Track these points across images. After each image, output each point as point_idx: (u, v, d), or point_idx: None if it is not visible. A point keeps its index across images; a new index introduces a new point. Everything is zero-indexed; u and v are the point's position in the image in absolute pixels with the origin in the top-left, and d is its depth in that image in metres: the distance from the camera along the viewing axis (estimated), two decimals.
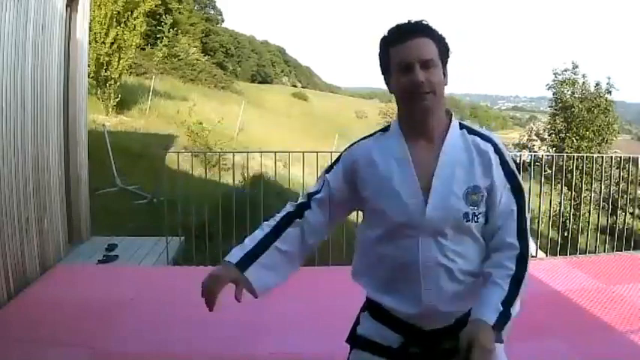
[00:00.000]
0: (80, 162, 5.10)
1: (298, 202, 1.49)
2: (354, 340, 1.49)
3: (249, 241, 1.42)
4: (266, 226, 1.45)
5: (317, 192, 1.46)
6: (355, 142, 1.49)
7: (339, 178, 1.45)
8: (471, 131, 1.43)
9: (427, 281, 1.33)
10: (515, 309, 1.31)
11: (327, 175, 1.47)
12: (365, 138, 1.48)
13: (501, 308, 1.27)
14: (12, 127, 3.61)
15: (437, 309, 1.34)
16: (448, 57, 1.38)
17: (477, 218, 1.36)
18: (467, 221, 1.34)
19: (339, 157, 1.49)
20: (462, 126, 1.42)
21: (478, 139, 1.40)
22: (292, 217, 1.45)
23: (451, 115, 1.42)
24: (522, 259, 1.35)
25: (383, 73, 1.42)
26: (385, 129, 1.47)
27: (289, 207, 1.48)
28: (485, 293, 1.31)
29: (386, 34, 1.38)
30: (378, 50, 1.41)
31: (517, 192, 1.41)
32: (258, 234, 1.44)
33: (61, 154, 4.53)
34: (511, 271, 1.33)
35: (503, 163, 1.40)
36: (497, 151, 1.41)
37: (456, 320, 1.36)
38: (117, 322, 3.32)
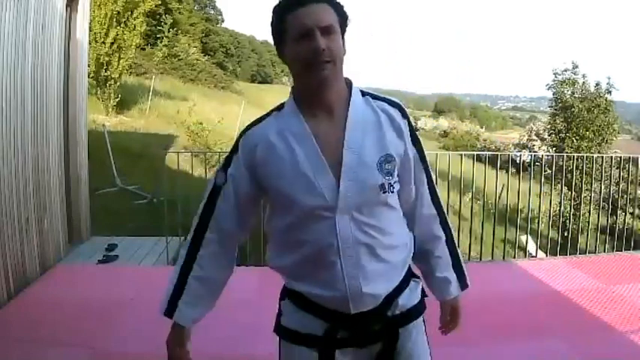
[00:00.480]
0: (80, 162, 5.10)
1: (199, 211, 1.38)
2: (280, 332, 1.45)
3: (169, 282, 1.40)
4: (180, 258, 1.40)
5: (217, 192, 1.35)
6: (249, 126, 1.34)
7: (240, 169, 1.31)
8: (375, 97, 1.33)
9: (347, 262, 1.24)
10: (460, 256, 1.50)
11: (228, 168, 1.33)
12: (260, 120, 1.34)
13: (456, 275, 1.48)
14: (12, 127, 3.61)
15: (360, 291, 1.25)
16: (347, 26, 1.29)
17: (393, 188, 1.28)
18: (384, 193, 1.26)
19: (236, 145, 1.34)
20: (363, 93, 1.32)
21: (385, 105, 1.32)
22: (199, 235, 1.37)
23: (351, 83, 1.32)
24: (445, 222, 1.46)
25: (276, 44, 1.32)
26: (280, 107, 1.35)
27: (195, 221, 1.39)
28: (438, 270, 1.46)
29: (281, 0, 1.27)
30: (271, 19, 1.30)
31: (424, 159, 1.39)
32: (175, 270, 1.40)
33: (61, 154, 4.53)
34: (444, 238, 1.45)
35: (411, 128, 1.34)
36: (405, 115, 1.34)
37: (384, 300, 1.30)
38: (117, 322, 3.32)
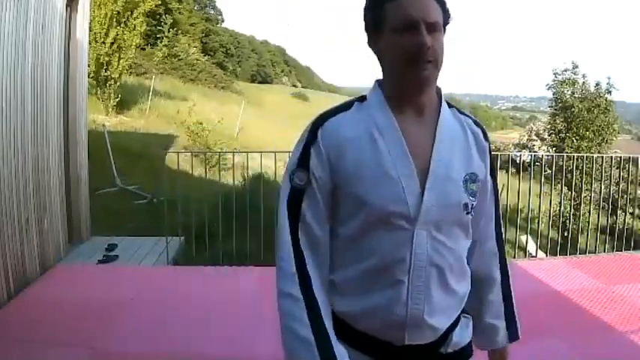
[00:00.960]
0: (80, 162, 5.10)
1: (283, 236, 1.15)
2: None
3: (305, 331, 1.10)
4: (296, 303, 1.13)
5: (299, 197, 1.13)
6: (326, 115, 1.16)
7: (323, 162, 1.12)
8: (461, 112, 1.23)
9: (415, 284, 1.09)
10: (515, 303, 1.35)
11: (310, 164, 1.12)
12: (339, 109, 1.17)
13: (506, 323, 1.33)
14: (12, 127, 3.61)
15: (421, 319, 1.11)
16: (447, 25, 1.16)
17: (473, 212, 1.15)
18: (466, 213, 1.13)
19: (312, 135, 1.13)
20: (449, 105, 1.22)
21: (470, 122, 1.22)
22: (300, 265, 1.13)
23: (441, 92, 1.20)
24: (504, 263, 1.32)
25: (369, 31, 1.16)
26: (361, 98, 1.19)
27: (282, 247, 1.16)
28: (487, 315, 1.31)
29: None
30: (366, 3, 1.16)
31: (496, 190, 1.29)
32: (300, 317, 1.11)
33: (61, 154, 4.53)
34: (499, 279, 1.31)
35: (490, 153, 1.24)
36: (487, 138, 1.24)
37: (440, 336, 1.16)
38: (117, 322, 3.32)
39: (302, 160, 1.13)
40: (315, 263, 1.13)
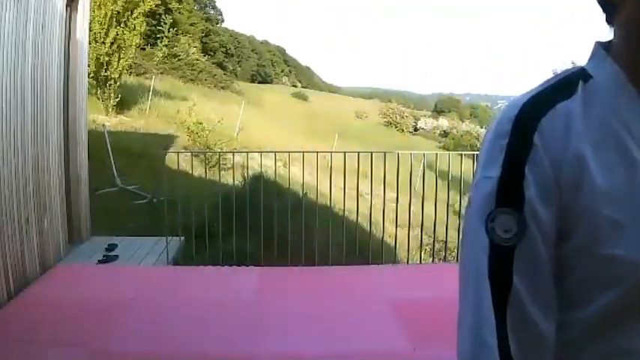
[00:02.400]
0: (80, 162, 5.10)
1: (470, 319, 0.64)
2: None
3: None
4: None
5: (508, 265, 0.62)
6: (536, 105, 0.65)
7: (550, 199, 0.62)
8: None
9: None
10: None
11: (524, 197, 0.62)
12: (553, 96, 0.66)
13: None
14: (12, 127, 3.61)
15: None
16: None
17: None
18: None
19: (520, 145, 0.63)
20: None
21: None
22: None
23: None
24: None
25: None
26: (581, 74, 0.69)
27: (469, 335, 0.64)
28: None
29: None
30: None
31: None
32: None
33: (61, 154, 4.53)
34: None
35: None
36: None
37: None
38: (117, 322, 3.33)
39: (506, 192, 0.62)
40: None
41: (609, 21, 0.71)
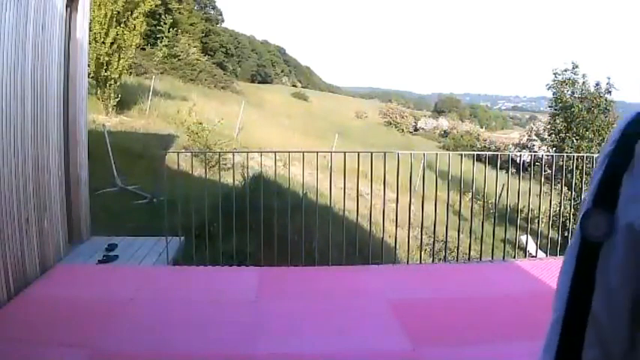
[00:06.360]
0: (80, 162, 5.10)
1: (561, 312, 0.65)
2: None
3: None
4: None
5: (592, 258, 0.63)
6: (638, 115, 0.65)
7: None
8: None
9: None
10: None
11: (618, 201, 0.63)
12: None
13: None
14: (12, 127, 3.61)
15: None
16: None
17: None
18: None
19: (621, 153, 0.64)
20: None
21: None
22: None
23: None
24: None
25: None
26: None
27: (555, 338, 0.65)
28: None
29: None
30: None
31: None
32: None
33: (61, 154, 4.53)
34: None
35: None
36: None
37: None
38: (117, 322, 3.32)
39: (601, 194, 0.65)
40: None
41: None
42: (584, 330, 0.63)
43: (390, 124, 35.42)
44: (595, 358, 0.63)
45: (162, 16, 18.58)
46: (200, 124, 12.19)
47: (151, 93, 15.21)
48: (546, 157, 7.84)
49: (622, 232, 0.62)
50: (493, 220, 6.50)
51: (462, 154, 5.95)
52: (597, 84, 12.07)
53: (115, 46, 12.45)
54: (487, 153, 5.79)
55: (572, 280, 0.65)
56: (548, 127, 13.16)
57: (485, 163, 5.58)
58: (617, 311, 0.62)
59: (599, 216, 0.64)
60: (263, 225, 4.78)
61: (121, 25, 12.49)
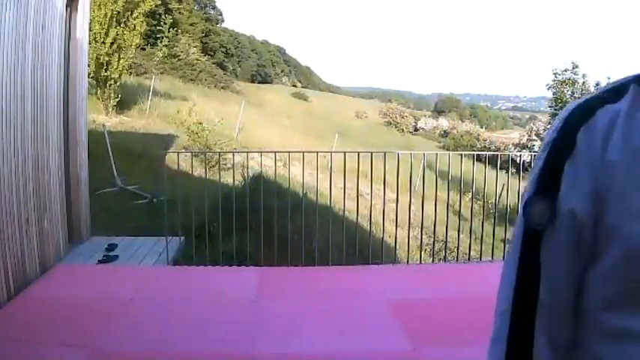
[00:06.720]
0: (80, 162, 5.10)
1: (502, 304, 0.72)
2: None
3: None
4: None
5: (535, 245, 0.67)
6: (588, 106, 0.68)
7: (582, 189, 0.64)
8: None
9: None
10: None
11: (560, 189, 0.65)
12: (601, 99, 0.68)
13: None
14: (12, 127, 3.61)
15: None
16: None
17: None
18: None
19: (564, 142, 0.67)
20: None
21: None
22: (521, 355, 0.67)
23: None
24: None
25: None
26: (637, 80, 0.69)
27: (499, 324, 0.71)
28: None
29: None
30: None
31: None
32: None
33: (61, 154, 4.53)
34: None
35: None
36: None
37: None
38: (117, 322, 3.32)
39: (544, 182, 0.67)
40: None
41: None
42: (534, 318, 0.66)
43: (390, 124, 35.42)
44: (543, 345, 0.65)
45: (162, 16, 18.58)
46: (200, 124, 12.19)
47: (150, 93, 15.22)
48: None
49: (564, 218, 0.64)
50: (493, 220, 6.50)
51: (462, 154, 5.95)
52: (597, 84, 12.10)
53: (115, 46, 12.45)
54: (487, 153, 5.79)
55: (518, 268, 0.69)
56: (548, 127, 13.17)
57: (485, 163, 5.58)
58: (562, 296, 0.66)
59: (542, 202, 0.66)
60: (263, 225, 4.78)
61: (121, 25, 12.49)
